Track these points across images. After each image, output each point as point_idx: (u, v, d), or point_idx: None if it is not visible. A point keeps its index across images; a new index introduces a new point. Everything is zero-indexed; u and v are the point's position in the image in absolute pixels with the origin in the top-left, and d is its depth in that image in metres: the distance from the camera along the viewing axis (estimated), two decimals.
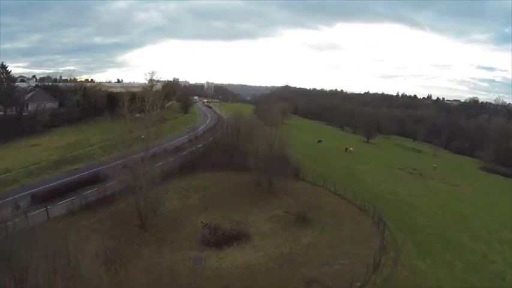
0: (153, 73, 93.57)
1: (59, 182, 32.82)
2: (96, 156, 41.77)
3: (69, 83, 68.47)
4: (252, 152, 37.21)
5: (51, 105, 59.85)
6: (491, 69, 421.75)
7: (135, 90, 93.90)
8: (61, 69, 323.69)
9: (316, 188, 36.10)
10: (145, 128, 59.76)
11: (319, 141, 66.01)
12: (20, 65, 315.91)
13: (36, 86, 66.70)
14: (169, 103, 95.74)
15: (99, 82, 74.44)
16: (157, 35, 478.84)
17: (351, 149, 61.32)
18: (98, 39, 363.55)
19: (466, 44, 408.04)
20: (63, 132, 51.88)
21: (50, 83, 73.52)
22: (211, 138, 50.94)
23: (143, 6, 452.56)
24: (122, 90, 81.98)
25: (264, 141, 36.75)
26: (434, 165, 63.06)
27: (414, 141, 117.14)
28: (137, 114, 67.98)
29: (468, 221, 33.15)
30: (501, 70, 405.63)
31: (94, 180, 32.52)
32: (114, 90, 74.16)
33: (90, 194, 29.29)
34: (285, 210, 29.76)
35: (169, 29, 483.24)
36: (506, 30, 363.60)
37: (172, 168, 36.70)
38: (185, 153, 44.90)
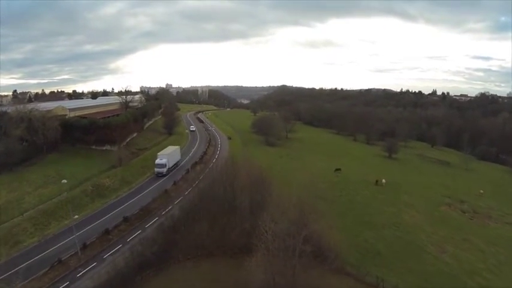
0: (127, 87, 79.15)
1: None
2: (23, 238, 27.72)
3: (19, 108, 53.41)
4: (257, 225, 22.52)
5: None
6: (487, 58, 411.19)
7: (110, 108, 79.79)
8: (55, 78, 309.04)
9: None
10: (112, 169, 45.83)
11: (338, 169, 51.81)
12: (14, 76, 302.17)
13: None
14: (151, 121, 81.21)
15: (58, 106, 59.24)
16: (148, 40, 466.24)
17: (383, 181, 47.37)
18: (89, 47, 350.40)
19: (461, 34, 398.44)
20: None
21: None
22: (194, 184, 36.27)
23: (131, 11, 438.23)
24: (93, 111, 67.80)
25: (274, 207, 22.55)
26: (481, 191, 53.48)
27: (432, 147, 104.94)
28: (104, 147, 53.98)
29: None
30: (498, 59, 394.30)
31: None
32: (78, 113, 59.62)
33: None
34: None
35: (159, 34, 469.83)
36: (503, 18, 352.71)
37: (125, 268, 22.14)
38: (154, 222, 30.37)
